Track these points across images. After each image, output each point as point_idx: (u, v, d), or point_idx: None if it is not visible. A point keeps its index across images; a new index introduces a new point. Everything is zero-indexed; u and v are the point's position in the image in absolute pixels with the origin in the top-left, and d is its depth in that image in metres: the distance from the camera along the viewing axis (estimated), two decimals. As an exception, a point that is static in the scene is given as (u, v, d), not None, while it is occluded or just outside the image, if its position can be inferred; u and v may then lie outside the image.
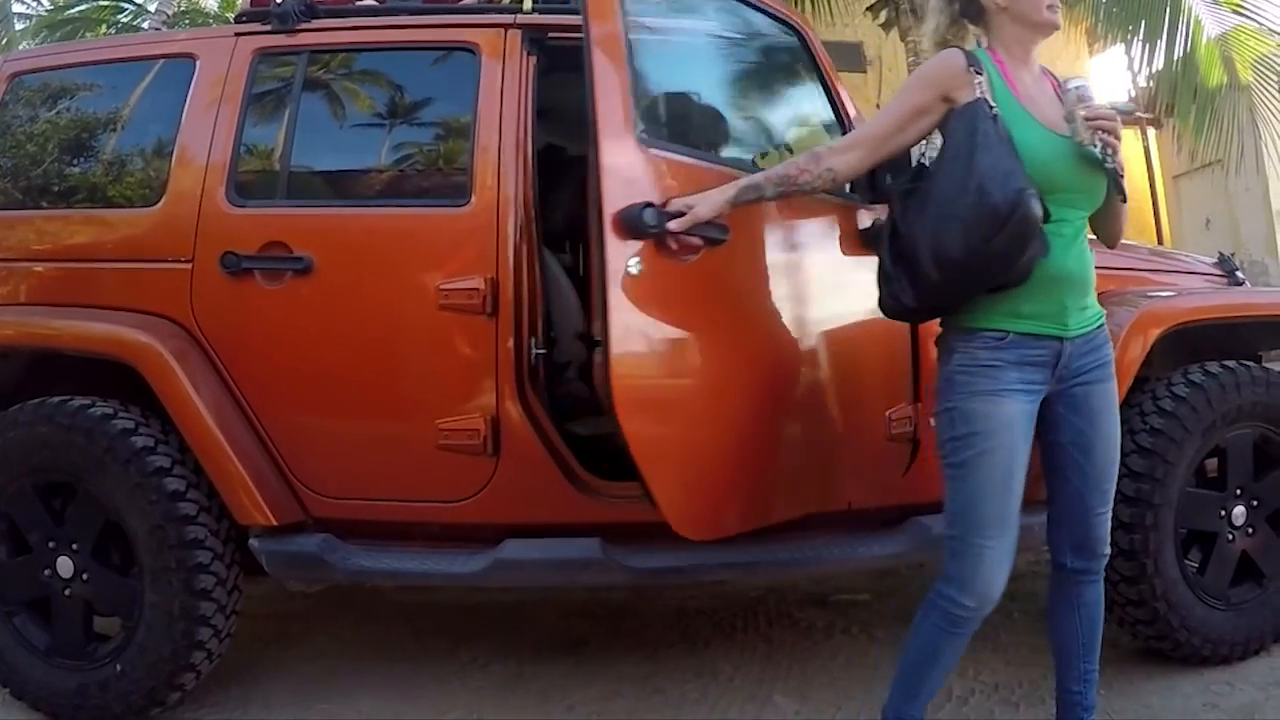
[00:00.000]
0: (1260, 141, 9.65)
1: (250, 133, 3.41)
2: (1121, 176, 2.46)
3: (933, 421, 2.61)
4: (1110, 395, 2.60)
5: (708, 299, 2.81)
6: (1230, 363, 3.44)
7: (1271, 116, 9.50)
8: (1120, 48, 10.03)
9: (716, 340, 2.84)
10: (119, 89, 3.65)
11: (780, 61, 3.57)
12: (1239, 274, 3.97)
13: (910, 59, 11.12)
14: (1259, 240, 16.54)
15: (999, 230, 2.29)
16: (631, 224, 2.56)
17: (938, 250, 2.38)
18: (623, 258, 2.57)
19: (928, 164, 2.60)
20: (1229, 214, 16.75)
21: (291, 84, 3.44)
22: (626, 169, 2.66)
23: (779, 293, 3.02)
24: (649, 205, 2.58)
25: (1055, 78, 2.59)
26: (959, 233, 2.33)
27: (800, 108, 3.60)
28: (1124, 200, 2.57)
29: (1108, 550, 2.66)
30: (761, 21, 3.41)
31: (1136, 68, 9.58)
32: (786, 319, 3.04)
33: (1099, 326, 2.57)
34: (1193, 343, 3.50)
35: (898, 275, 2.51)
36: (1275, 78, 9.38)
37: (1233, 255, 4.19)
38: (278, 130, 3.42)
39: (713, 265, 2.76)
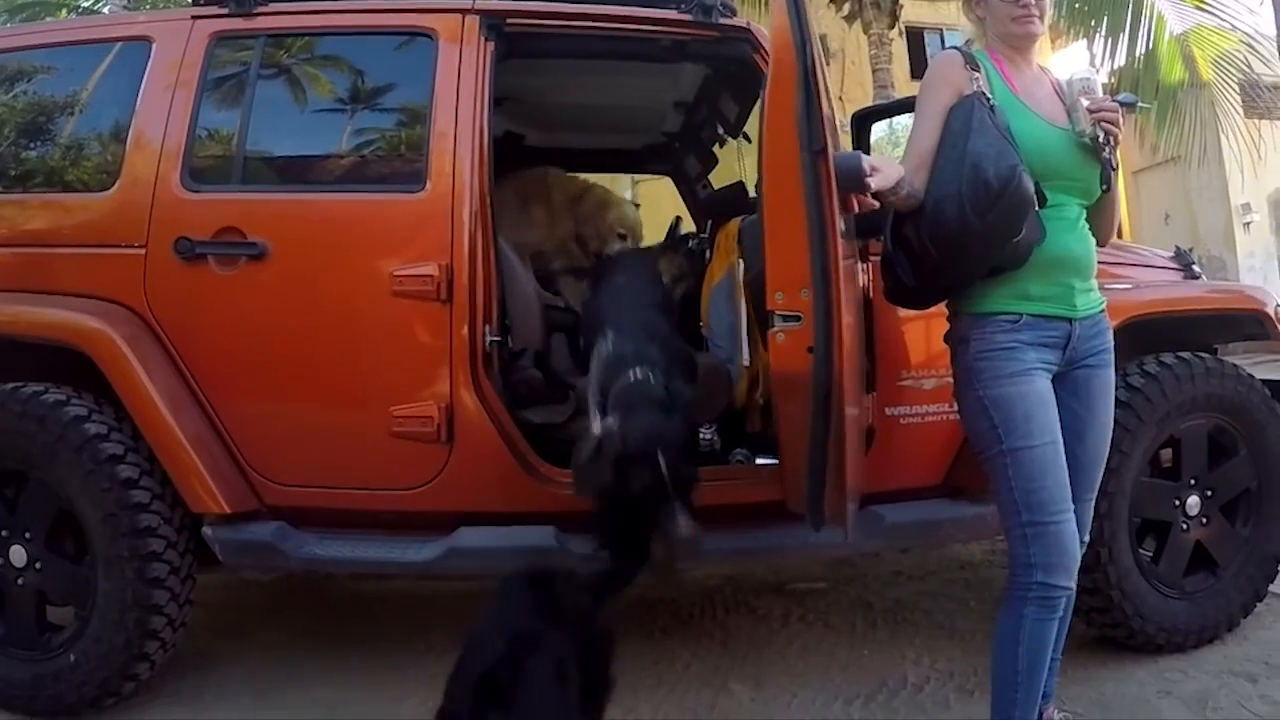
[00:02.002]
0: (1220, 138, 9.77)
1: (206, 117, 3.38)
2: (1114, 169, 2.55)
3: (958, 413, 2.65)
4: (1108, 382, 2.66)
5: None
6: (1185, 355, 3.49)
7: (1231, 113, 9.62)
8: (1082, 43, 10.11)
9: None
10: (75, 72, 3.60)
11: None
12: (1195, 268, 4.00)
13: (873, 51, 11.21)
14: (1217, 235, 16.76)
15: (993, 205, 2.35)
16: (852, 173, 2.41)
17: (935, 228, 2.44)
18: (839, 211, 2.40)
19: None
20: (1188, 209, 17.00)
21: (248, 68, 3.41)
22: (827, 123, 2.48)
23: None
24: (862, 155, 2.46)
25: (1054, 76, 2.71)
26: (954, 209, 2.39)
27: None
28: (1108, 189, 2.62)
29: (1088, 537, 2.69)
30: None
31: (1099, 64, 9.65)
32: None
33: (1101, 311, 2.65)
34: (1149, 335, 3.52)
35: (899, 259, 2.59)
36: (1236, 75, 9.48)
37: (1190, 250, 4.22)
38: (234, 115, 3.39)
39: None
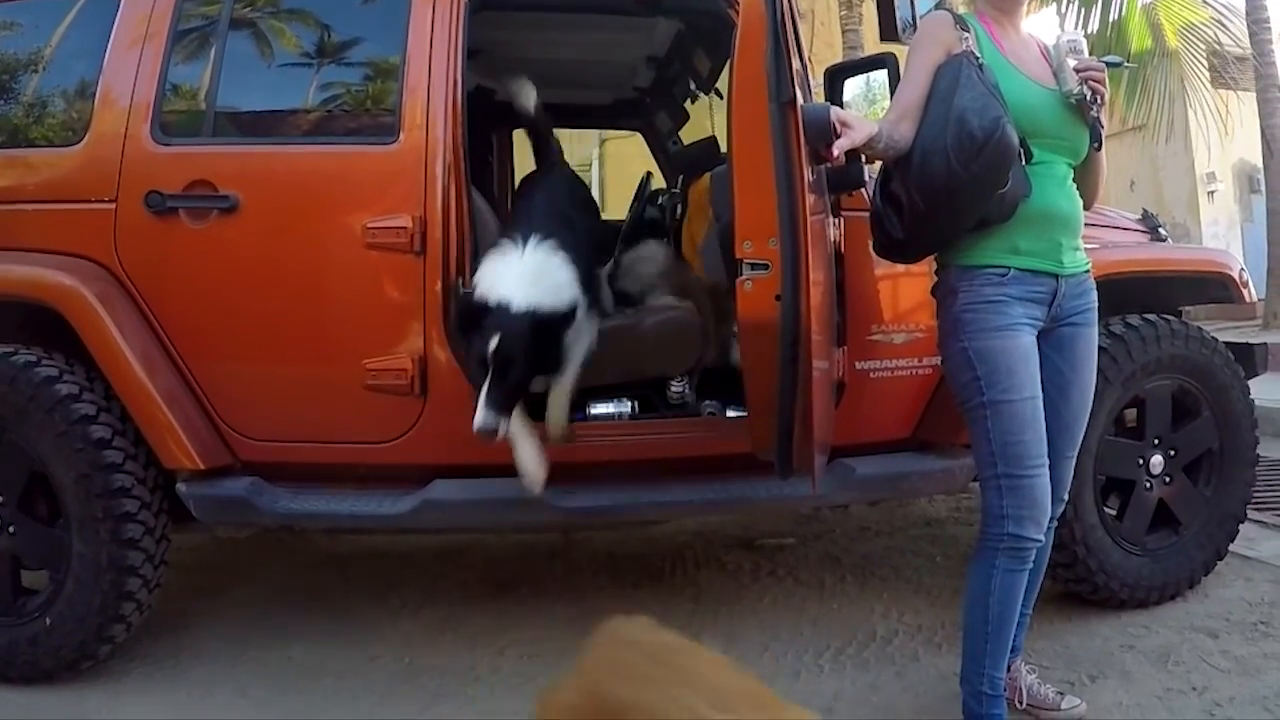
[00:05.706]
0: (1186, 108, 9.86)
1: (175, 70, 3.33)
2: (1102, 128, 2.61)
3: (942, 364, 2.70)
4: (1092, 341, 2.71)
5: None
6: (1151, 316, 3.53)
7: (1199, 85, 9.70)
8: (1053, 9, 10.20)
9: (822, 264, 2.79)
10: (41, 26, 3.54)
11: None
12: (1161, 231, 4.04)
13: (843, 12, 11.22)
14: (1181, 203, 16.91)
15: (977, 155, 2.39)
16: (819, 125, 2.44)
17: (923, 180, 2.48)
18: (807, 162, 2.43)
19: None
20: (1153, 177, 17.11)
21: (218, 20, 3.35)
22: (797, 77, 2.52)
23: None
24: (831, 107, 2.48)
25: (1040, 40, 2.76)
26: (942, 162, 2.43)
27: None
28: (1099, 147, 2.67)
29: (1066, 495, 2.75)
30: None
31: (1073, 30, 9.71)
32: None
33: (1087, 271, 2.70)
34: (1115, 296, 3.55)
35: (887, 213, 2.63)
36: (1203, 47, 9.56)
37: (1156, 214, 4.26)
38: (203, 67, 3.35)
39: None
